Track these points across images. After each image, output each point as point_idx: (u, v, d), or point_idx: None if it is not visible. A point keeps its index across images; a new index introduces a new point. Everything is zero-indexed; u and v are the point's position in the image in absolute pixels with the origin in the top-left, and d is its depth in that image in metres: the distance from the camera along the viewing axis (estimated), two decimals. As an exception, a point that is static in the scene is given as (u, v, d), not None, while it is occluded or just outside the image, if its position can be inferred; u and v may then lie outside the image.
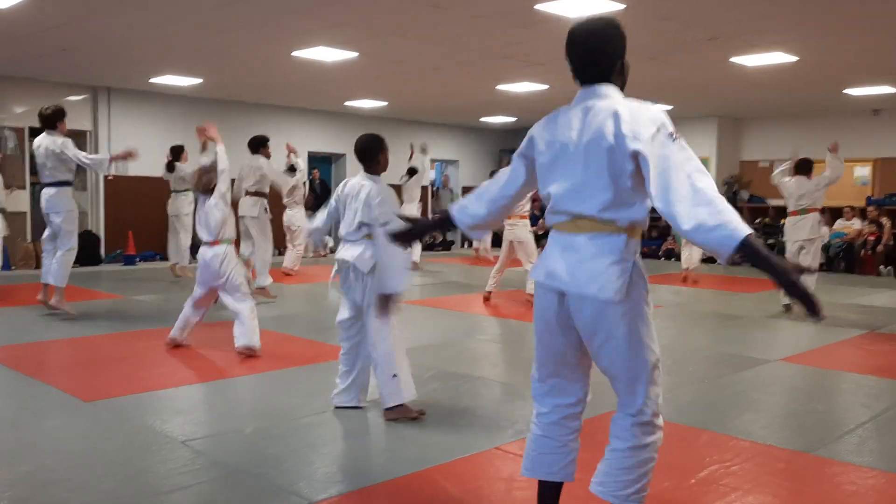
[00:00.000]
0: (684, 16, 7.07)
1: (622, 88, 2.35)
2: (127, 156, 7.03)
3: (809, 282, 7.73)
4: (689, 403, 4.51)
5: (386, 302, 3.83)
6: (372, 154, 4.10)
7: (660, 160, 2.13)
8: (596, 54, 2.33)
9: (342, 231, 4.08)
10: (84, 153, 6.92)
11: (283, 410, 4.19)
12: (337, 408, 4.18)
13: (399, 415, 4.01)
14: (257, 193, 8.36)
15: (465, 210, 2.62)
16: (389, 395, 3.98)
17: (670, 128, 2.18)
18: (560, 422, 2.51)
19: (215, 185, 5.47)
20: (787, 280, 2.03)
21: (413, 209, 12.60)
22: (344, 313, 4.13)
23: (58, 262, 6.82)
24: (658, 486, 3.17)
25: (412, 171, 12.51)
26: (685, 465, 3.42)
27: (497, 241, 10.66)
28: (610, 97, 2.30)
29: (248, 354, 5.37)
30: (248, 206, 8.40)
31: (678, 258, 12.03)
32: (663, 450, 3.73)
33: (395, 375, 3.95)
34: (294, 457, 3.55)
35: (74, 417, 4.03)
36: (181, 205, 10.10)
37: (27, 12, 7.21)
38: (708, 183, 2.10)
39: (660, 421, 2.43)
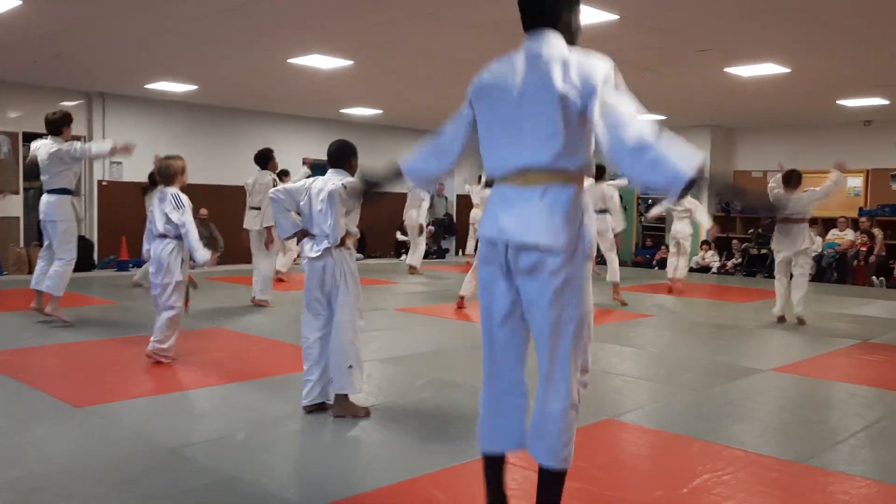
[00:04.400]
0: (677, 27, 7.11)
1: (571, 44, 2.35)
2: (125, 149, 6.97)
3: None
4: (681, 412, 4.51)
5: None
6: (343, 159, 4.24)
7: (607, 105, 2.16)
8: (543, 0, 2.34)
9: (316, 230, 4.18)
10: (87, 150, 6.84)
11: (275, 417, 4.18)
12: (307, 409, 4.21)
13: (346, 412, 4.12)
14: (261, 208, 8.35)
15: (416, 164, 2.66)
16: (341, 385, 4.08)
17: (616, 79, 2.22)
18: (508, 389, 2.51)
19: (177, 176, 5.44)
20: (748, 198, 2.10)
21: (421, 215, 12.62)
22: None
23: (56, 272, 6.71)
24: (649, 495, 3.17)
25: None
26: (676, 475, 3.42)
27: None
28: (556, 43, 2.29)
29: (155, 360, 5.33)
30: (252, 219, 8.50)
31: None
32: (655, 458, 3.74)
33: (350, 367, 4.07)
34: (285, 464, 3.54)
35: (65, 423, 4.01)
36: None
37: (22, 17, 7.20)
38: (650, 126, 2.12)
39: (588, 377, 2.45)
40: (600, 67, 2.22)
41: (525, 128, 2.27)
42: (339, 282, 4.10)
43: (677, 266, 10.72)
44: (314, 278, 4.15)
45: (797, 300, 7.88)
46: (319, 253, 4.10)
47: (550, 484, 2.45)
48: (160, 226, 5.39)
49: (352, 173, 4.25)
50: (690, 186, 2.01)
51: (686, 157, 2.03)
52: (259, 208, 8.38)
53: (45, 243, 6.93)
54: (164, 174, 5.48)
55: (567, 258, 2.27)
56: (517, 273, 2.35)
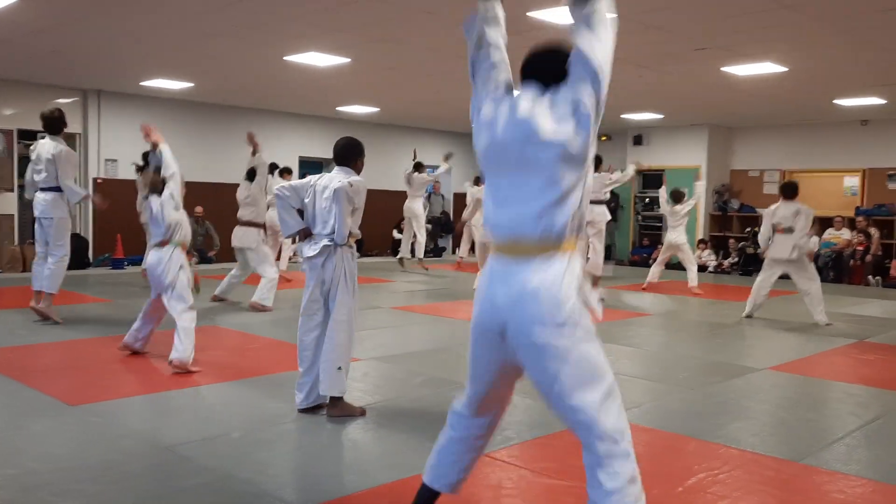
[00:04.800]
0: (674, 25, 7.10)
1: None
2: (98, 201, 7.18)
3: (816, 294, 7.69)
4: (678, 411, 4.51)
5: None
6: (350, 156, 4.22)
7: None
8: (545, 60, 2.39)
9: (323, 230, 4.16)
10: (70, 180, 6.84)
11: (271, 416, 4.17)
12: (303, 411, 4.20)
13: (342, 412, 4.11)
14: (251, 224, 8.18)
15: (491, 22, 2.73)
16: (330, 386, 4.06)
17: None
18: (465, 440, 2.55)
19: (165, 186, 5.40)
20: None
21: (419, 204, 12.63)
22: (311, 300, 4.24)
23: (50, 270, 6.75)
24: (646, 494, 3.16)
25: (418, 166, 12.63)
26: (673, 473, 3.42)
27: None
28: (539, 93, 2.30)
29: (181, 370, 5.07)
30: (244, 237, 8.16)
31: (672, 267, 12.09)
32: (651, 457, 3.74)
33: (339, 368, 4.06)
34: (281, 462, 3.53)
35: (60, 421, 4.00)
36: None
37: (17, 14, 7.18)
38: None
39: (631, 445, 2.27)
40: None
41: (515, 190, 2.26)
42: (338, 281, 4.08)
43: (688, 275, 10.72)
44: (313, 277, 4.13)
45: (813, 306, 7.81)
46: (318, 251, 4.08)
47: None
48: (157, 233, 5.32)
49: (358, 171, 4.21)
50: None
51: None
52: (250, 224, 8.13)
53: (40, 248, 6.88)
54: (157, 188, 5.40)
55: (571, 330, 2.17)
56: (522, 355, 2.26)
